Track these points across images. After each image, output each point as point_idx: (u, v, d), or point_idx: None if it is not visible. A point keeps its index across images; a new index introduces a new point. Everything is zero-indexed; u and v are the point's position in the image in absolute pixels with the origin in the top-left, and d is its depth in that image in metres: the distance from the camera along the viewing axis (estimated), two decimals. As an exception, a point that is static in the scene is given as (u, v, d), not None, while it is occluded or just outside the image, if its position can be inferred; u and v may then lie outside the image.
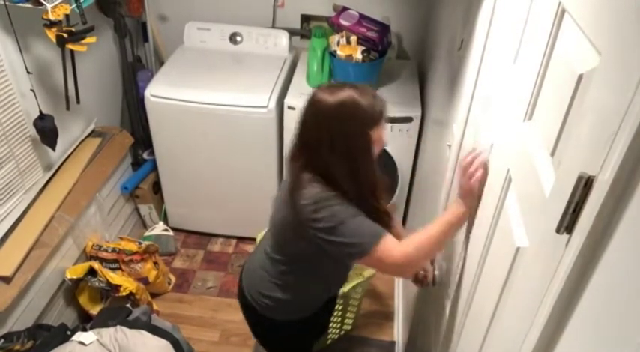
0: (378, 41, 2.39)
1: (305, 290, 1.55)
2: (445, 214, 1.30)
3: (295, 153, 1.38)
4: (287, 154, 1.43)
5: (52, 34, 1.89)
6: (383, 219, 1.36)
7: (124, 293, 2.27)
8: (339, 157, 1.30)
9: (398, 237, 1.35)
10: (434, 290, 1.68)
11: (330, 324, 2.29)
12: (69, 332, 1.90)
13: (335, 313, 2.25)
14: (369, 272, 2.15)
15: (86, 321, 2.08)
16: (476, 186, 1.19)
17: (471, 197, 1.21)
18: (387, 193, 1.50)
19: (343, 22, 2.41)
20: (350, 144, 1.29)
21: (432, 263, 1.74)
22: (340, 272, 1.63)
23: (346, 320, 2.40)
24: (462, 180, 1.22)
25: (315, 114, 1.31)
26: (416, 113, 2.39)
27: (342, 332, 2.45)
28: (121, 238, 2.56)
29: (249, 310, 1.63)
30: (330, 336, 2.39)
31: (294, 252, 1.46)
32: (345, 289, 2.15)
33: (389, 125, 2.37)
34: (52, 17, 1.83)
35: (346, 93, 1.27)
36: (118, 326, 1.92)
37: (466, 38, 1.58)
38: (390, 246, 1.28)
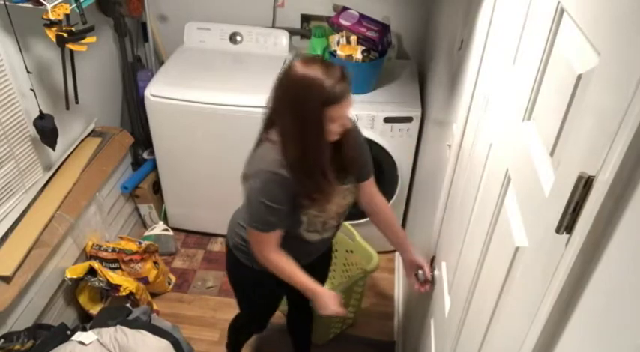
0: (378, 41, 2.39)
1: None
2: (309, 284, 1.60)
3: (266, 115, 1.53)
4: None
5: (52, 34, 1.89)
6: (321, 197, 1.51)
7: (123, 293, 2.27)
8: (292, 123, 1.42)
9: (378, 205, 1.74)
10: (434, 290, 1.68)
11: (333, 317, 2.29)
12: (69, 332, 1.90)
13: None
14: (370, 267, 2.16)
15: (86, 321, 2.08)
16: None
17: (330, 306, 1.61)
18: (354, 174, 1.64)
19: (343, 22, 2.41)
20: (304, 115, 1.40)
21: (432, 263, 1.74)
22: (292, 245, 1.63)
23: (348, 315, 2.41)
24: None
25: (283, 80, 1.44)
26: (416, 113, 2.39)
27: (344, 327, 2.47)
28: (121, 238, 2.56)
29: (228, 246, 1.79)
30: (332, 330, 2.40)
31: None
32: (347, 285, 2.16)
33: (389, 125, 2.38)
34: (52, 17, 1.83)
35: (313, 69, 1.37)
36: (118, 326, 1.92)
37: (466, 38, 1.58)
38: (264, 243, 1.54)
